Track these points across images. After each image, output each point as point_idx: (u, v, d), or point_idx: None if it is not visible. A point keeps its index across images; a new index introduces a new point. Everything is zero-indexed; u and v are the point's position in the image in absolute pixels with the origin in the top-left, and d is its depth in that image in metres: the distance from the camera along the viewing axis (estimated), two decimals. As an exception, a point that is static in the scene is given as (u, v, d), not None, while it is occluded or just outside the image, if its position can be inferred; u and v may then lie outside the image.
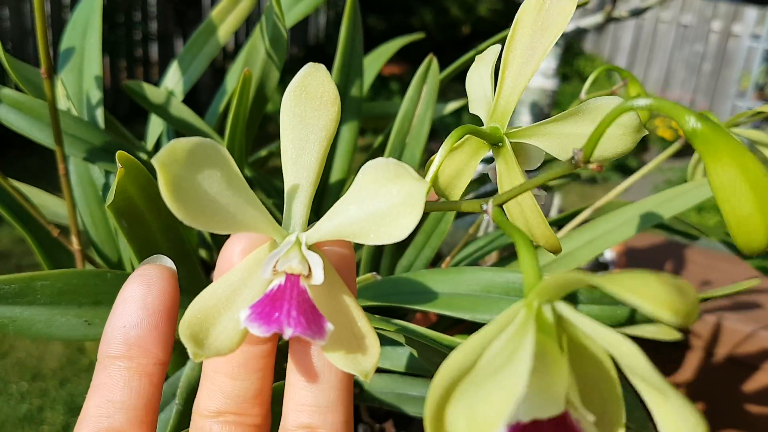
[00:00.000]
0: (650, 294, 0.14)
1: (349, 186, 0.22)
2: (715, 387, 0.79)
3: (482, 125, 0.27)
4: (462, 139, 0.27)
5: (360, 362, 0.22)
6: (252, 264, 0.22)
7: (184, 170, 0.20)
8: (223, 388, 0.23)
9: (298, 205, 0.22)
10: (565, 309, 0.18)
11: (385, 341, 0.41)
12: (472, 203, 0.22)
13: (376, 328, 0.23)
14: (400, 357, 0.44)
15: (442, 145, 0.23)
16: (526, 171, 0.27)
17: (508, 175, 0.26)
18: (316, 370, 0.23)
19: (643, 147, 3.45)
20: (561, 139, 0.25)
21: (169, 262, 0.24)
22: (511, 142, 0.26)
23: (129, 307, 0.23)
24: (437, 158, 0.24)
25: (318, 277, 0.21)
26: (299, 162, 0.22)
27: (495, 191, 0.25)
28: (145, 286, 0.23)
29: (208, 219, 0.21)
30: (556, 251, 0.27)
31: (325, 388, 0.23)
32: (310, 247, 0.22)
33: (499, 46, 0.28)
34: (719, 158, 0.17)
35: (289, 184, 0.22)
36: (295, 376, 0.23)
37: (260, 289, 0.22)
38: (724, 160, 0.17)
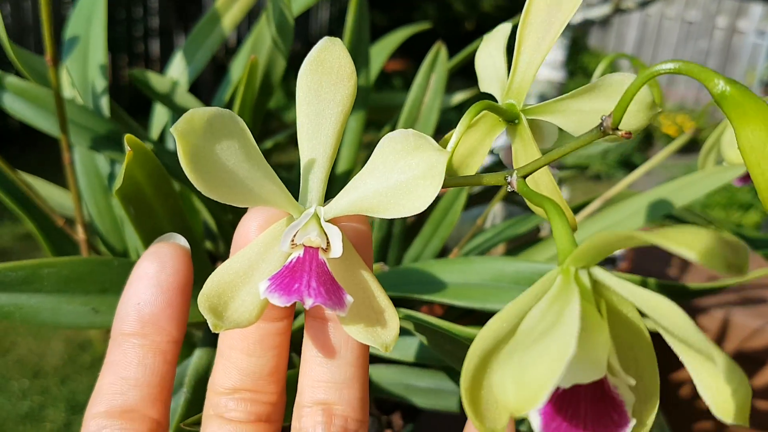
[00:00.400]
0: (704, 248, 0.14)
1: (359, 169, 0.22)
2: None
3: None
4: (476, 118, 0.26)
5: (380, 335, 0.22)
6: (269, 239, 0.22)
7: (202, 140, 0.20)
8: (238, 365, 0.23)
9: (315, 180, 0.22)
10: (601, 273, 0.18)
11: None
12: (495, 176, 0.22)
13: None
14: (408, 347, 0.44)
15: (460, 121, 0.23)
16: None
17: (525, 152, 0.25)
18: (333, 346, 0.23)
19: (648, 144, 3.45)
20: (577, 115, 0.25)
21: (182, 240, 0.23)
22: (526, 120, 0.25)
23: (143, 285, 0.22)
24: (455, 135, 0.23)
25: (337, 249, 0.21)
26: (316, 137, 0.22)
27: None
28: (159, 264, 0.22)
29: (227, 191, 0.20)
30: (572, 229, 0.27)
31: (341, 365, 0.23)
32: (328, 222, 0.22)
33: (508, 25, 0.27)
34: (749, 121, 0.17)
35: (305, 159, 0.22)
36: (312, 353, 0.23)
37: (278, 263, 0.22)
38: (753, 123, 0.17)
